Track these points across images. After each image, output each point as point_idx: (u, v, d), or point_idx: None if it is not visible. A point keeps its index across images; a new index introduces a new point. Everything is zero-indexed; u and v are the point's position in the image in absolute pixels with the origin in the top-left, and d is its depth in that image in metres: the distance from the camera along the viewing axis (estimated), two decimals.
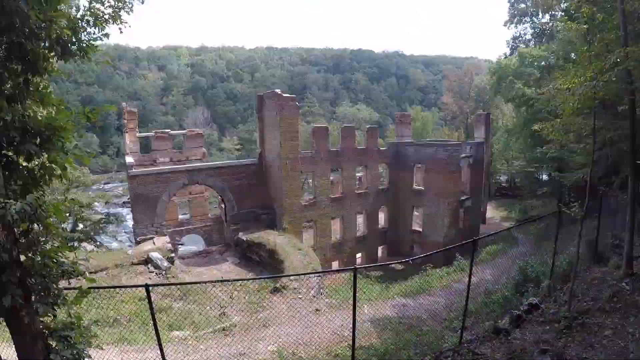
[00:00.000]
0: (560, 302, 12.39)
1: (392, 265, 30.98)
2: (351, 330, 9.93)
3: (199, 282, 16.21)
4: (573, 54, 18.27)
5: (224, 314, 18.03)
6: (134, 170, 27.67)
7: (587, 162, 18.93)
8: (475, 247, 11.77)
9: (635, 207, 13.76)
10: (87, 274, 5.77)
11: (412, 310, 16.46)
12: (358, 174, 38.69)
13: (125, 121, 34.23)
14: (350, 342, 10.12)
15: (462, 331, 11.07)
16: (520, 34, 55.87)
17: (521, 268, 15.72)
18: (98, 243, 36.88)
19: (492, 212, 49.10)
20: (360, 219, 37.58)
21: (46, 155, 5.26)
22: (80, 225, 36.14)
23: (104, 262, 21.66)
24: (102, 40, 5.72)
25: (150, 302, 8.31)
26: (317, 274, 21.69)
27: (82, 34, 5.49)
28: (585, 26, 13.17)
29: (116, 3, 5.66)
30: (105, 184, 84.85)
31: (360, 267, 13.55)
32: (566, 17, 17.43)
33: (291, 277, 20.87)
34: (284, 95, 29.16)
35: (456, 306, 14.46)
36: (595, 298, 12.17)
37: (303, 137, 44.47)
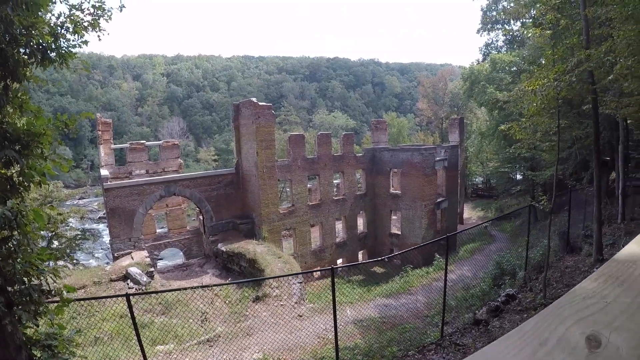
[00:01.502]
0: (536, 290, 12.87)
1: (373, 269, 31.23)
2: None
3: (180, 289, 16.05)
4: (543, 60, 18.88)
5: (206, 319, 17.95)
6: (109, 183, 27.25)
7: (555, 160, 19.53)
8: (448, 243, 12.03)
9: (604, 199, 14.25)
10: (65, 293, 5.73)
11: (394, 309, 16.64)
12: (335, 181, 38.88)
13: (100, 132, 33.82)
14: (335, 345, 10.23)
15: (443, 325, 11.29)
16: (492, 40, 57.17)
17: (497, 262, 16.16)
18: (75, 261, 36.27)
19: (469, 213, 49.82)
20: (339, 225, 37.71)
21: (25, 162, 5.26)
22: (55, 243, 35.51)
23: (82, 280, 21.30)
24: (81, 47, 5.76)
25: (131, 311, 8.29)
26: (297, 277, 21.74)
27: (62, 40, 5.53)
28: (549, 31, 13.73)
29: (95, 11, 5.72)
30: (79, 199, 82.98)
31: (337, 267, 13.69)
32: (532, 24, 17.98)
33: (272, 285, 20.88)
34: (260, 103, 29.21)
35: (437, 303, 14.68)
36: (568, 284, 12.60)
37: (280, 146, 44.59)
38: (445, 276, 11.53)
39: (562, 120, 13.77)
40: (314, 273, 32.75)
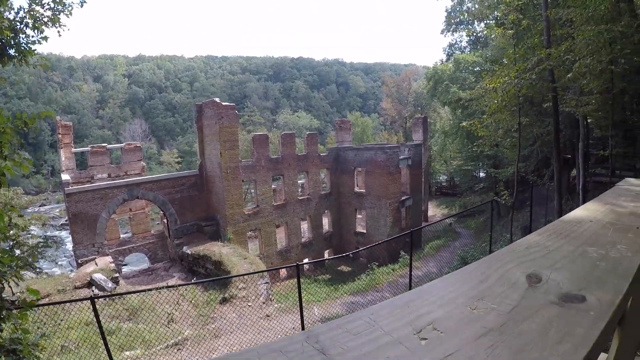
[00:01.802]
0: None
1: (340, 268, 31.40)
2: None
3: (144, 290, 15.80)
4: (505, 60, 19.46)
5: (173, 321, 17.76)
6: (70, 187, 26.58)
7: (519, 159, 20.14)
8: (412, 238, 12.23)
9: (565, 195, 14.73)
10: (28, 297, 5.61)
11: (361, 307, 16.79)
12: (300, 181, 38.91)
13: (60, 136, 33.00)
14: None
15: None
16: (456, 41, 58.06)
17: (462, 257, 16.53)
18: (38, 269, 35.31)
19: (434, 211, 50.56)
20: (304, 225, 37.77)
21: None
22: (18, 252, 34.50)
23: (45, 288, 20.74)
24: (40, 43, 5.66)
25: (97, 315, 8.18)
26: (264, 277, 21.70)
27: (21, 36, 5.42)
28: (511, 31, 14.14)
29: (55, 6, 5.62)
30: (40, 205, 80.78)
31: (302, 264, 13.70)
32: (495, 24, 18.47)
33: (239, 286, 20.80)
34: (223, 103, 28.97)
35: None
36: None
37: (244, 146, 44.36)
38: (410, 269, 11.75)
39: (523, 118, 14.20)
40: (280, 273, 32.72)
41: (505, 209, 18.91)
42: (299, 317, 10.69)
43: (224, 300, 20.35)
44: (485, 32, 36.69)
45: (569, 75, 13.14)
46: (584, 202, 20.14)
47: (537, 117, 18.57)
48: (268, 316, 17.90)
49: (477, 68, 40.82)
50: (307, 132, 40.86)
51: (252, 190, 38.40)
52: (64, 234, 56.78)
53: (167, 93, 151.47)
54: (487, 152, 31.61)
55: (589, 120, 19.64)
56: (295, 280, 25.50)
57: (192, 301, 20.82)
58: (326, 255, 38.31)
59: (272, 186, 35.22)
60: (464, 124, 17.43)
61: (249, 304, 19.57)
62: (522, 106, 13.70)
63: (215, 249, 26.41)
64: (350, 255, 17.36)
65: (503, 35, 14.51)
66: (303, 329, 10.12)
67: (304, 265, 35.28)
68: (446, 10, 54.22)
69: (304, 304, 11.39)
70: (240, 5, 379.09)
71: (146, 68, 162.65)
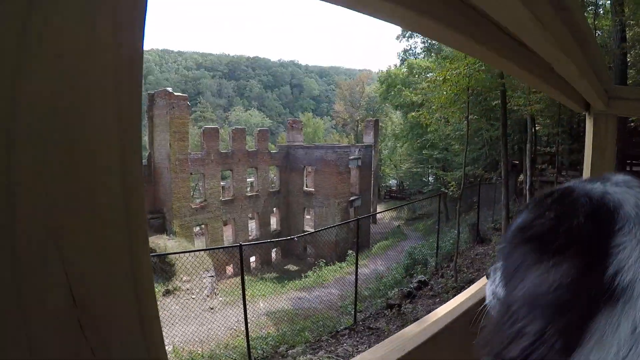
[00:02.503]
0: (447, 276, 13.58)
1: (287, 267, 31.24)
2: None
3: None
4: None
5: None
6: None
7: (467, 162, 20.64)
8: (358, 224, 12.29)
9: (512, 197, 15.20)
10: None
11: (307, 302, 16.75)
12: (249, 179, 38.56)
13: None
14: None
15: (356, 311, 11.48)
16: (411, 47, 58.71)
17: (409, 253, 16.73)
18: None
19: (383, 213, 51.09)
20: (252, 223, 37.41)
21: None
22: None
23: None
24: None
25: None
26: (209, 271, 21.38)
27: None
28: None
29: None
30: None
31: (245, 244, 13.47)
32: None
33: (183, 279, 20.36)
34: (176, 94, 28.41)
35: (350, 294, 14.94)
36: (478, 269, 13.37)
37: (194, 141, 43.62)
38: (357, 260, 11.75)
39: (471, 115, 14.45)
40: (227, 271, 32.25)
41: (454, 212, 19.32)
42: (243, 309, 10.49)
43: (167, 292, 19.85)
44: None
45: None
46: None
47: (487, 121, 19.08)
48: (212, 309, 17.60)
49: (430, 74, 41.63)
50: (258, 129, 40.57)
51: (201, 185, 37.83)
52: None
53: None
54: (436, 155, 32.28)
55: (536, 125, 20.32)
56: (238, 279, 25.30)
57: None
58: (273, 254, 38.05)
59: (221, 183, 34.76)
60: (412, 114, 17.73)
61: (193, 297, 19.20)
62: (471, 103, 14.01)
63: (161, 242, 25.74)
64: (296, 238, 17.44)
65: None
66: (246, 320, 9.95)
67: (250, 264, 34.98)
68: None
69: (249, 298, 11.23)
70: (199, 1, 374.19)
71: None
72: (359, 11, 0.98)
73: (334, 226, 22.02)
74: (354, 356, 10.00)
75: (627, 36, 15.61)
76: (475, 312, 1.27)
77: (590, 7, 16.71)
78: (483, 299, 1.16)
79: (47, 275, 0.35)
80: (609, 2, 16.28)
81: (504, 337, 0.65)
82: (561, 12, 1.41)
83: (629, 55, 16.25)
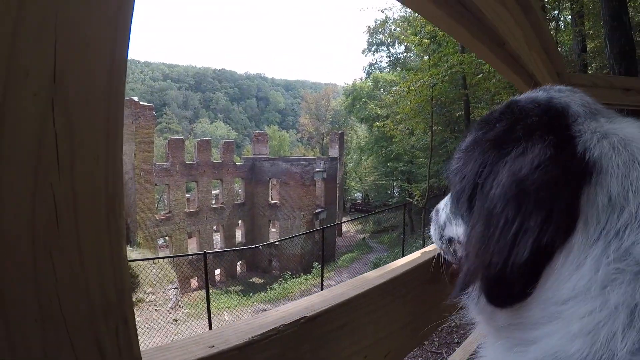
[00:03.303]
0: None
1: (252, 280, 31.04)
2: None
3: None
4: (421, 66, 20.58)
5: None
6: None
7: (432, 173, 21.01)
8: (324, 233, 12.41)
9: None
10: None
11: None
12: (214, 191, 38.28)
13: None
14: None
15: None
16: (376, 61, 59.36)
17: (374, 264, 16.86)
18: None
19: (348, 226, 51.20)
20: (217, 236, 37.07)
21: None
22: None
23: None
24: None
25: None
26: (173, 283, 21.14)
27: None
28: (427, 40, 14.81)
29: None
30: None
31: (210, 252, 13.38)
32: (411, 33, 19.22)
33: (147, 291, 20.05)
34: (141, 103, 28.15)
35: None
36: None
37: (159, 152, 43.11)
38: (322, 271, 11.82)
39: (436, 126, 14.79)
40: (191, 284, 31.84)
41: (419, 223, 19.58)
42: (207, 321, 10.45)
43: None
44: (404, 54, 38.18)
45: (479, 76, 13.95)
46: None
47: (451, 133, 19.46)
48: (176, 320, 17.42)
49: (395, 87, 42.18)
50: (224, 141, 40.39)
51: (165, 197, 37.36)
52: None
53: None
54: (401, 167, 32.65)
55: None
56: (204, 291, 25.10)
57: None
58: (238, 267, 37.71)
59: (186, 195, 34.41)
60: (377, 124, 18.02)
61: (157, 309, 18.93)
62: (435, 114, 14.40)
63: None
64: (260, 247, 17.34)
65: (420, 44, 15.18)
66: (209, 319, 9.94)
67: (215, 277, 34.60)
68: (369, 32, 55.51)
69: (214, 311, 11.18)
70: (166, 12, 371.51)
71: None
72: None
73: (299, 235, 22.15)
74: None
75: (588, 48, 16.21)
76: (430, 266, 1.38)
77: (552, 23, 17.34)
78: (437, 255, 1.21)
79: None
80: (570, 16, 16.88)
81: (501, 246, 0.63)
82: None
83: (589, 67, 16.84)
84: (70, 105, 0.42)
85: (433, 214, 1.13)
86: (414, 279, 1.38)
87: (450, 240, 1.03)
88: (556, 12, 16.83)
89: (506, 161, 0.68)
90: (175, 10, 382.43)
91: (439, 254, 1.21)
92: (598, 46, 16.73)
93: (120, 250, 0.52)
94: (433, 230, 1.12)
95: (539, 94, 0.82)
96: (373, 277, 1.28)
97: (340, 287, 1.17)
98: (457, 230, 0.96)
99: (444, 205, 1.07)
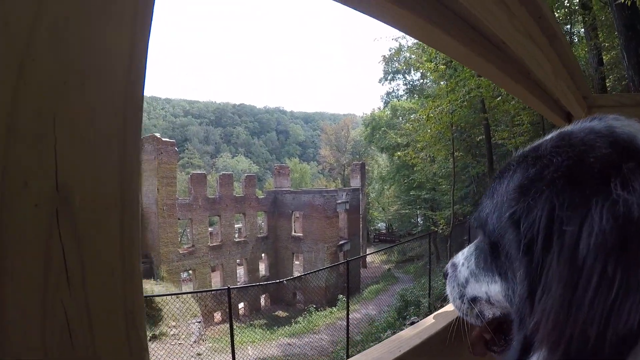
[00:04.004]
0: None
1: (276, 313, 30.78)
2: None
3: None
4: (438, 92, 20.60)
5: None
6: None
7: (456, 200, 20.80)
8: (348, 267, 12.20)
9: None
10: None
11: (297, 348, 16.47)
12: (237, 225, 38.33)
13: None
14: None
15: (348, 355, 11.27)
16: (393, 89, 59.52)
17: (401, 295, 16.53)
18: None
19: (372, 257, 50.63)
20: (241, 269, 36.97)
21: None
22: None
23: None
24: None
25: None
26: (196, 317, 21.00)
27: None
28: (443, 66, 14.80)
29: None
30: None
31: (234, 287, 13.32)
32: (427, 59, 19.22)
33: (170, 324, 19.96)
34: (163, 139, 28.55)
35: (341, 339, 14.71)
36: None
37: (181, 187, 43.53)
38: (347, 306, 11.61)
39: (457, 152, 14.67)
40: (215, 318, 31.66)
41: (444, 252, 19.24)
42: (231, 355, 10.29)
43: (154, 337, 19.43)
44: (420, 81, 38.33)
45: (498, 98, 13.80)
46: None
47: (473, 158, 19.30)
48: (199, 355, 17.23)
49: (413, 115, 42.21)
50: (246, 175, 40.64)
51: (188, 231, 37.53)
52: None
53: None
54: (424, 195, 32.41)
55: None
56: (228, 325, 24.90)
57: None
58: (262, 301, 37.46)
59: (209, 229, 34.52)
60: (398, 153, 17.95)
61: (180, 342, 18.80)
62: (455, 140, 14.29)
63: (148, 287, 25.31)
64: (285, 282, 17.14)
65: (436, 70, 15.16)
66: (233, 349, 9.75)
67: (239, 310, 34.40)
68: (384, 60, 55.75)
69: (238, 345, 11.04)
70: (185, 50, 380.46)
71: None
72: (348, 5, 1.04)
73: (324, 269, 21.88)
74: None
75: (604, 60, 15.91)
76: (447, 334, 1.25)
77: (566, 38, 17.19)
78: None
79: None
80: (583, 29, 16.68)
81: (595, 313, 0.49)
82: (539, 20, 1.52)
83: (607, 80, 16.51)
84: (77, 216, 0.39)
85: (448, 269, 0.98)
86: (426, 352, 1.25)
87: (474, 300, 0.88)
88: (568, 26, 16.67)
89: (596, 202, 0.53)
90: (193, 48, 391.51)
91: (457, 317, 1.02)
92: (614, 57, 16.43)
93: None
94: (450, 289, 0.96)
95: (593, 123, 0.68)
96: (408, 336, 1.19)
97: (376, 349, 1.09)
98: (489, 288, 0.80)
99: (463, 260, 0.92)
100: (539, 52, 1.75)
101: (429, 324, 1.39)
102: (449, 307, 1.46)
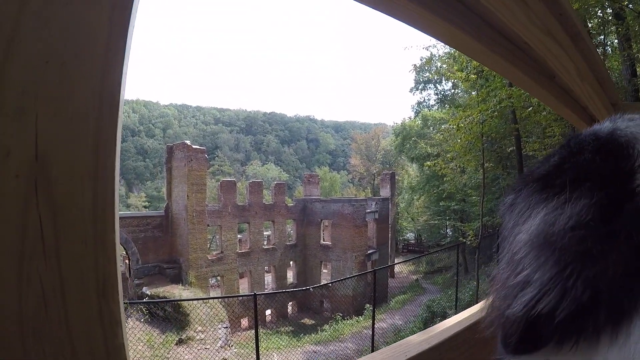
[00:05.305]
0: None
1: (302, 320, 30.80)
2: None
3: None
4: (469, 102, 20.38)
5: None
6: None
7: (485, 212, 20.56)
8: (375, 278, 12.17)
9: None
10: None
11: (323, 356, 16.47)
12: (266, 233, 38.53)
13: None
14: None
15: None
16: (424, 99, 59.07)
17: (428, 306, 16.42)
18: None
19: (400, 267, 50.24)
20: (269, 276, 37.14)
21: None
22: None
23: None
24: None
25: None
26: (223, 322, 21.16)
27: None
28: (474, 76, 14.67)
29: None
30: None
31: (260, 294, 13.41)
32: (457, 69, 19.03)
33: (197, 329, 20.18)
34: (194, 146, 28.94)
35: (366, 348, 14.66)
36: None
37: (211, 194, 44.00)
38: (373, 315, 11.57)
39: (487, 163, 14.52)
40: (242, 324, 31.83)
41: (473, 264, 19.00)
42: None
43: (180, 342, 19.67)
44: (452, 90, 38.05)
45: (529, 109, 13.62)
46: None
47: (503, 169, 19.08)
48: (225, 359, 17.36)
49: (444, 125, 41.82)
50: (275, 182, 40.86)
51: (217, 237, 37.88)
52: None
53: (140, 137, 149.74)
54: (453, 206, 32.10)
55: None
56: (252, 332, 25.01)
57: (149, 343, 20.05)
58: (289, 308, 37.53)
59: (238, 236, 34.79)
60: (428, 163, 17.84)
61: (206, 347, 18.97)
62: (486, 150, 14.15)
63: (176, 292, 25.66)
64: (312, 289, 17.17)
65: (467, 79, 15.03)
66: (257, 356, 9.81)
67: (266, 317, 34.53)
68: (415, 70, 55.47)
69: (264, 351, 11.10)
70: (216, 58, 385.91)
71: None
72: (372, 7, 1.07)
73: (351, 277, 21.82)
74: None
75: (638, 72, 15.51)
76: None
77: (599, 49, 16.82)
78: None
79: None
80: (616, 40, 16.30)
81: (507, 294, 0.53)
82: (559, 17, 1.51)
83: None
84: (54, 186, 0.40)
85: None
86: (457, 343, 1.29)
87: None
88: (602, 37, 16.30)
89: (544, 209, 0.54)
90: (225, 56, 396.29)
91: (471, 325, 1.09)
92: None
93: (115, 337, 0.51)
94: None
95: (604, 125, 0.65)
96: (416, 341, 1.20)
97: (383, 352, 1.10)
98: None
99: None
100: (563, 53, 1.74)
101: (440, 330, 1.39)
102: (462, 315, 1.47)
